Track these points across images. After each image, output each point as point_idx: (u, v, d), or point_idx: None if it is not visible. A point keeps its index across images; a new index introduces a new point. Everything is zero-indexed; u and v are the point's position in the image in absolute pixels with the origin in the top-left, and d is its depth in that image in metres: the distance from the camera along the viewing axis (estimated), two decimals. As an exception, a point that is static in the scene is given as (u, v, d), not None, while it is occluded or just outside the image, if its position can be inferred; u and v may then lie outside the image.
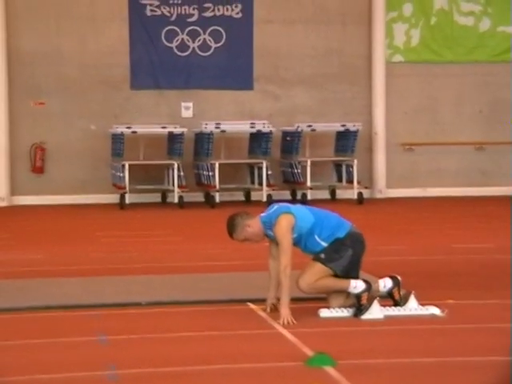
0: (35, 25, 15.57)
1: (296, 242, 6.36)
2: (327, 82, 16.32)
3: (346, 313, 6.39)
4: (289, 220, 6.28)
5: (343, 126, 15.56)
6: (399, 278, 6.59)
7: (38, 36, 15.58)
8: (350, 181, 15.46)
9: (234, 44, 16.06)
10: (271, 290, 6.49)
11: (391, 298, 6.54)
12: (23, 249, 10.19)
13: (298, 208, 6.45)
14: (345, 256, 6.35)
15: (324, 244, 6.37)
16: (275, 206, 6.43)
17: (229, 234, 6.44)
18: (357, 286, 6.34)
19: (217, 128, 15.01)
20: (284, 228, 6.25)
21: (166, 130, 15.23)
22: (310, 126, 15.49)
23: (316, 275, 6.32)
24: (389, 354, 5.39)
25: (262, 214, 6.41)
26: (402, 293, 6.54)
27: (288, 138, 15.62)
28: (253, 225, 6.35)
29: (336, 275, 6.38)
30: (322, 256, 6.36)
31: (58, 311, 6.63)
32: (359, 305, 6.33)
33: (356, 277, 6.44)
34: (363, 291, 6.32)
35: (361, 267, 6.53)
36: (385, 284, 6.54)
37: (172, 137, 15.28)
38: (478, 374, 4.93)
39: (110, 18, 15.77)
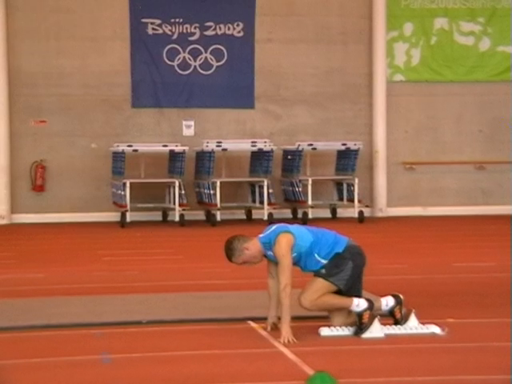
0: (36, 44, 15.64)
1: (296, 262, 6.37)
2: (328, 101, 16.38)
3: (346, 331, 6.39)
4: (288, 239, 6.30)
5: (344, 144, 15.60)
6: (402, 296, 6.60)
7: (39, 56, 15.66)
8: (350, 199, 15.48)
9: (236, 63, 16.13)
10: (272, 308, 6.49)
11: (392, 317, 6.54)
12: (24, 267, 10.18)
13: (296, 227, 6.47)
14: (345, 269, 6.36)
15: (324, 261, 6.38)
16: (273, 227, 6.45)
17: (227, 258, 6.44)
18: (359, 304, 6.34)
19: (218, 146, 15.05)
20: (283, 247, 6.27)
21: (167, 149, 15.27)
22: (310, 144, 15.53)
23: (318, 292, 6.33)
24: (389, 372, 5.39)
25: (260, 235, 6.43)
26: (403, 312, 6.54)
27: (289, 157, 15.65)
28: (251, 247, 6.36)
29: (339, 291, 6.38)
30: (323, 271, 6.37)
31: (60, 330, 6.63)
32: (360, 323, 6.33)
33: (359, 292, 6.44)
34: (365, 310, 6.33)
35: (363, 282, 6.53)
36: (387, 302, 6.55)
37: (173, 155, 15.32)
38: (478, 393, 4.93)
39: (111, 38, 15.85)
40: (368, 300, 6.39)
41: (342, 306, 6.40)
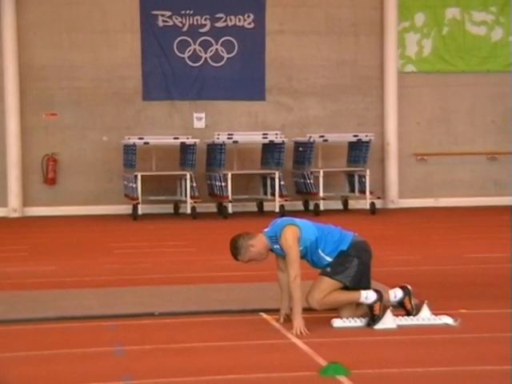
0: (47, 38, 15.67)
1: (303, 255, 6.37)
2: (340, 92, 16.34)
3: (358, 323, 6.39)
4: (294, 231, 6.29)
5: (355, 136, 15.57)
6: (410, 287, 6.58)
7: (51, 49, 15.68)
8: (362, 191, 15.45)
9: (247, 55, 16.11)
10: (284, 300, 6.49)
11: (403, 308, 6.53)
12: (36, 260, 10.22)
13: (301, 221, 6.47)
14: (351, 266, 6.35)
15: (329, 259, 6.37)
16: (278, 220, 6.46)
17: (233, 257, 6.44)
18: (368, 296, 6.34)
19: (229, 139, 15.04)
20: (290, 239, 6.26)
21: (179, 141, 15.27)
22: (322, 136, 15.50)
23: (325, 291, 6.32)
24: (402, 363, 5.38)
25: (266, 230, 6.43)
26: (413, 302, 6.53)
27: (300, 149, 15.63)
28: (256, 244, 6.36)
29: (346, 287, 6.38)
30: (328, 270, 6.36)
31: (73, 322, 6.66)
32: (372, 315, 6.32)
33: (367, 286, 6.43)
34: (375, 301, 6.32)
35: (371, 276, 6.52)
36: (395, 294, 6.54)
37: (184, 148, 15.32)
38: (492, 384, 4.92)
39: (122, 30, 15.85)
40: (377, 291, 6.38)
41: (351, 300, 6.40)
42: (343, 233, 6.49)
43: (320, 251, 6.37)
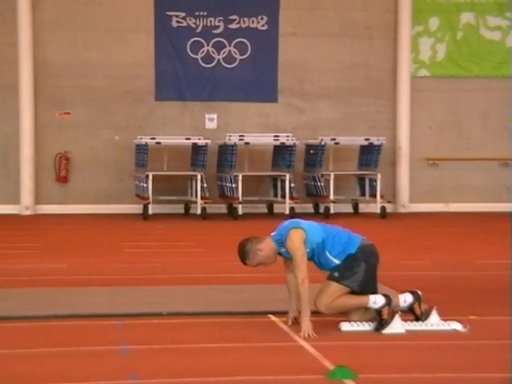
0: (61, 36, 15.72)
1: (310, 257, 6.36)
2: (352, 95, 16.33)
3: (367, 327, 6.37)
4: (299, 234, 6.27)
5: (367, 139, 15.55)
6: (420, 292, 6.56)
7: (64, 47, 15.73)
8: (373, 195, 15.43)
9: (259, 56, 16.11)
10: (292, 302, 6.48)
11: (412, 313, 6.52)
12: (47, 258, 10.26)
13: (308, 223, 6.44)
14: (359, 271, 6.33)
15: (336, 261, 6.35)
16: (285, 223, 6.44)
17: (241, 261, 6.43)
18: (376, 301, 6.32)
19: (240, 140, 15.05)
20: (296, 242, 6.25)
21: (190, 142, 15.29)
22: (333, 139, 15.49)
23: (332, 295, 6.31)
24: (410, 368, 5.37)
25: (273, 234, 6.41)
26: (423, 308, 6.51)
27: (311, 152, 15.62)
28: (264, 248, 6.35)
29: (353, 292, 6.37)
30: (336, 274, 6.35)
31: (81, 320, 6.67)
32: (381, 319, 6.31)
33: (374, 290, 6.42)
34: (383, 306, 6.30)
35: (377, 279, 6.51)
36: (405, 299, 6.52)
37: (196, 148, 15.33)
38: (500, 391, 4.90)
39: (136, 30, 15.89)
40: (385, 295, 6.37)
41: (359, 305, 6.39)
42: (351, 235, 6.48)
43: (327, 253, 6.35)
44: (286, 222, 6.47)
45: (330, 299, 6.30)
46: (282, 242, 6.33)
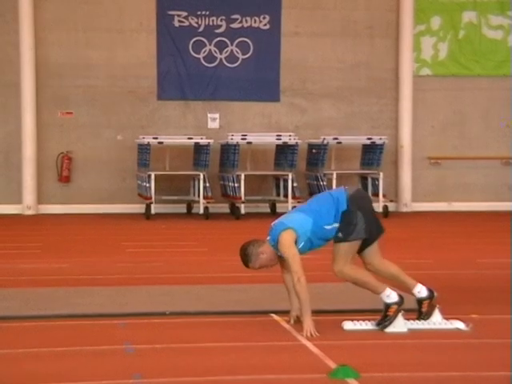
0: (63, 36, 15.73)
1: (309, 247, 6.34)
2: (354, 95, 16.33)
3: (369, 326, 6.38)
4: (288, 235, 6.25)
5: (369, 139, 15.56)
6: (436, 294, 6.54)
7: (66, 47, 15.75)
8: (375, 194, 15.42)
9: (262, 56, 16.12)
10: (293, 301, 6.48)
11: (418, 307, 6.49)
12: (49, 257, 10.27)
13: (292, 217, 6.40)
14: (358, 221, 6.29)
15: (336, 225, 6.31)
16: (274, 226, 6.38)
17: (244, 265, 6.42)
18: (390, 295, 6.32)
19: (243, 139, 15.05)
20: (286, 244, 6.23)
21: (193, 141, 15.30)
22: (335, 138, 15.49)
23: (344, 257, 6.28)
24: (412, 367, 5.37)
25: (268, 238, 6.40)
26: (430, 308, 6.48)
27: (314, 151, 15.63)
28: (266, 251, 6.35)
29: (364, 241, 6.31)
30: (340, 235, 6.31)
31: (84, 320, 6.68)
32: (385, 315, 6.31)
33: (380, 230, 6.40)
34: (393, 303, 6.30)
35: (377, 218, 6.46)
36: (421, 290, 6.50)
37: (198, 148, 15.34)
38: (502, 390, 4.90)
39: (138, 29, 15.90)
40: (400, 296, 6.36)
41: (374, 289, 6.36)
42: (335, 195, 6.41)
43: (324, 226, 6.30)
44: (274, 226, 6.38)
45: (342, 261, 6.26)
46: (276, 246, 6.34)
